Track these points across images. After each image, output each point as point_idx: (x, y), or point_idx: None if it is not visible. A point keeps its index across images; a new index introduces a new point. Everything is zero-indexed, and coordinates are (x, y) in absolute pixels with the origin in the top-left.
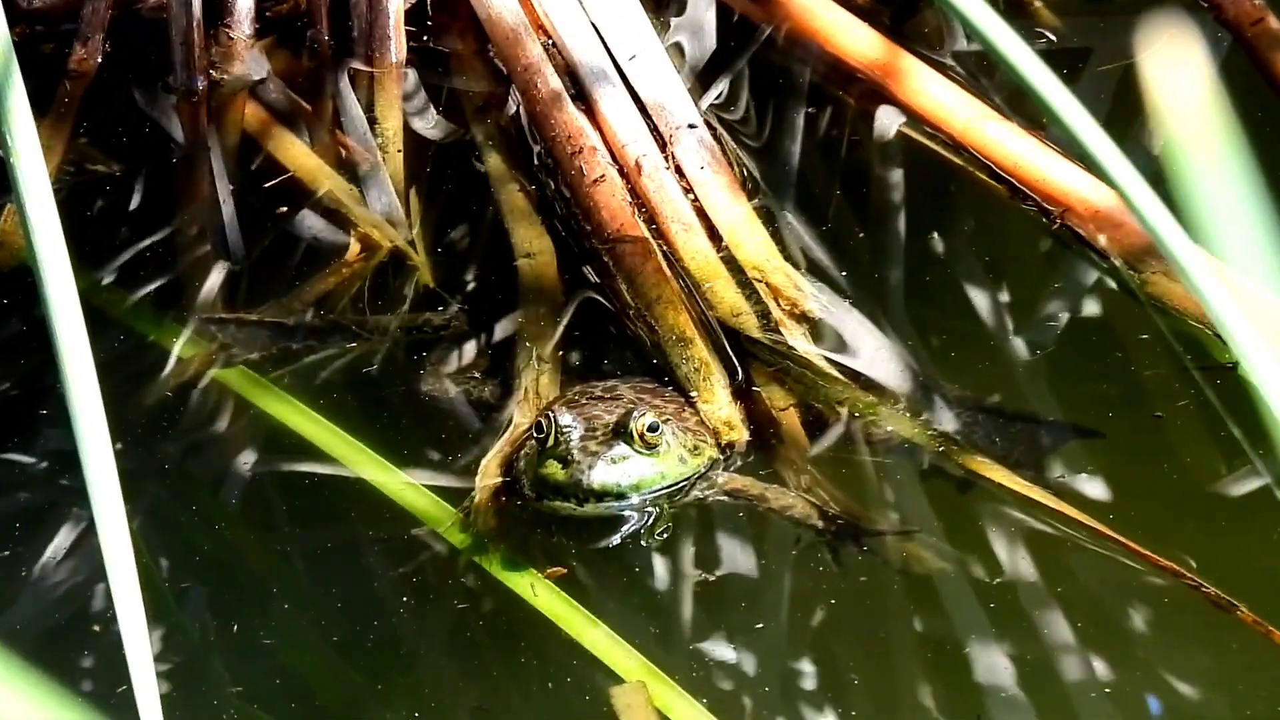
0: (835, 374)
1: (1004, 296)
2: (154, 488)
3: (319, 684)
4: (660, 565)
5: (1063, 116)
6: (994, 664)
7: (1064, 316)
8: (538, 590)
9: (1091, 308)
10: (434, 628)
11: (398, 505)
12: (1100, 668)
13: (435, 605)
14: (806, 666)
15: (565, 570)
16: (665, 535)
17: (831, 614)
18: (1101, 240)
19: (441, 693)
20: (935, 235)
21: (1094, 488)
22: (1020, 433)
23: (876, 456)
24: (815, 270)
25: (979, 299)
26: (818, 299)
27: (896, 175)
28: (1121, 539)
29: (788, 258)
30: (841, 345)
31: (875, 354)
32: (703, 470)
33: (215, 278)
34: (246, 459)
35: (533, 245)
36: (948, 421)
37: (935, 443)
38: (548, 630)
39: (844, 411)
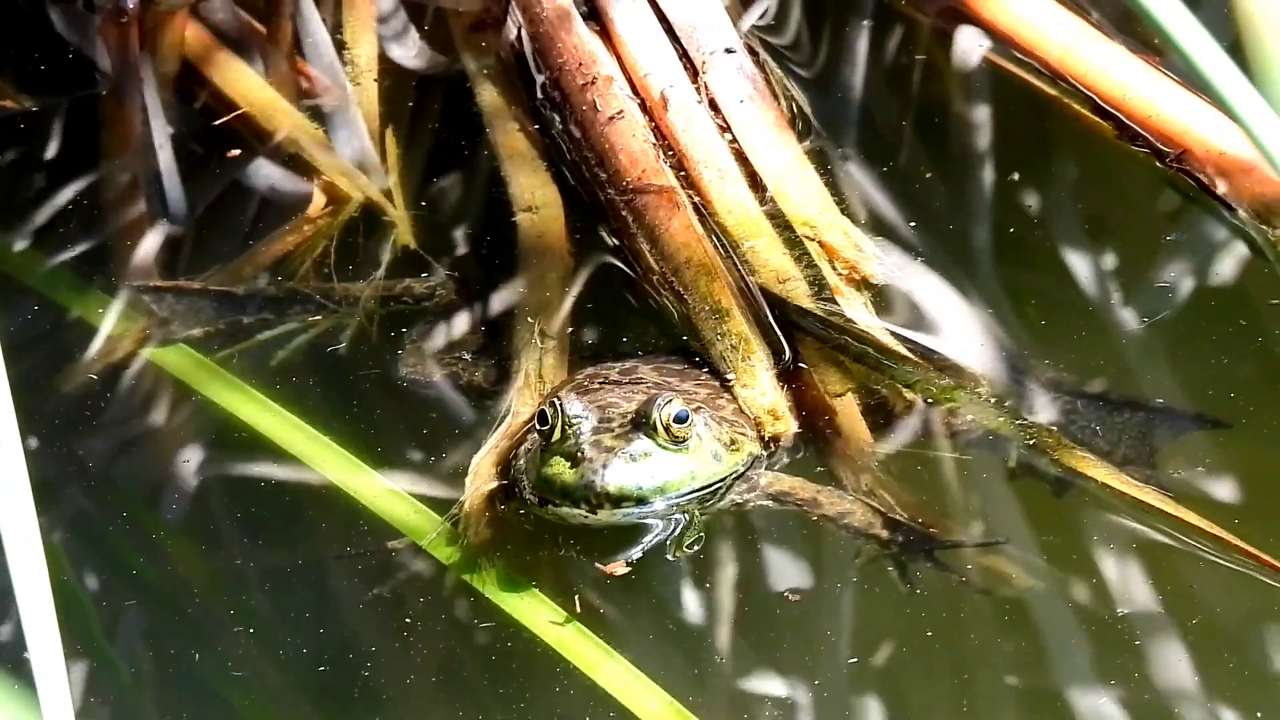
0: (903, 351)
1: (1109, 258)
2: (75, 493)
3: None
4: (690, 585)
5: (1180, 39)
6: (1099, 709)
7: (1182, 281)
8: (574, 600)
9: (1215, 270)
10: (417, 663)
11: (372, 514)
12: (1226, 712)
13: (418, 635)
14: (868, 709)
15: (628, 567)
16: (696, 548)
17: (899, 645)
18: (1225, 188)
19: None
20: (1027, 183)
21: (1220, 488)
22: (1129, 423)
23: (954, 452)
24: (879, 226)
25: (1079, 260)
26: (882, 261)
27: (980, 111)
28: (1253, 551)
29: (846, 211)
30: (911, 317)
31: (953, 327)
32: (741, 469)
33: (151, 238)
34: (188, 458)
35: (536, 197)
36: (1041, 409)
37: (1025, 435)
38: (554, 665)
39: (914, 397)
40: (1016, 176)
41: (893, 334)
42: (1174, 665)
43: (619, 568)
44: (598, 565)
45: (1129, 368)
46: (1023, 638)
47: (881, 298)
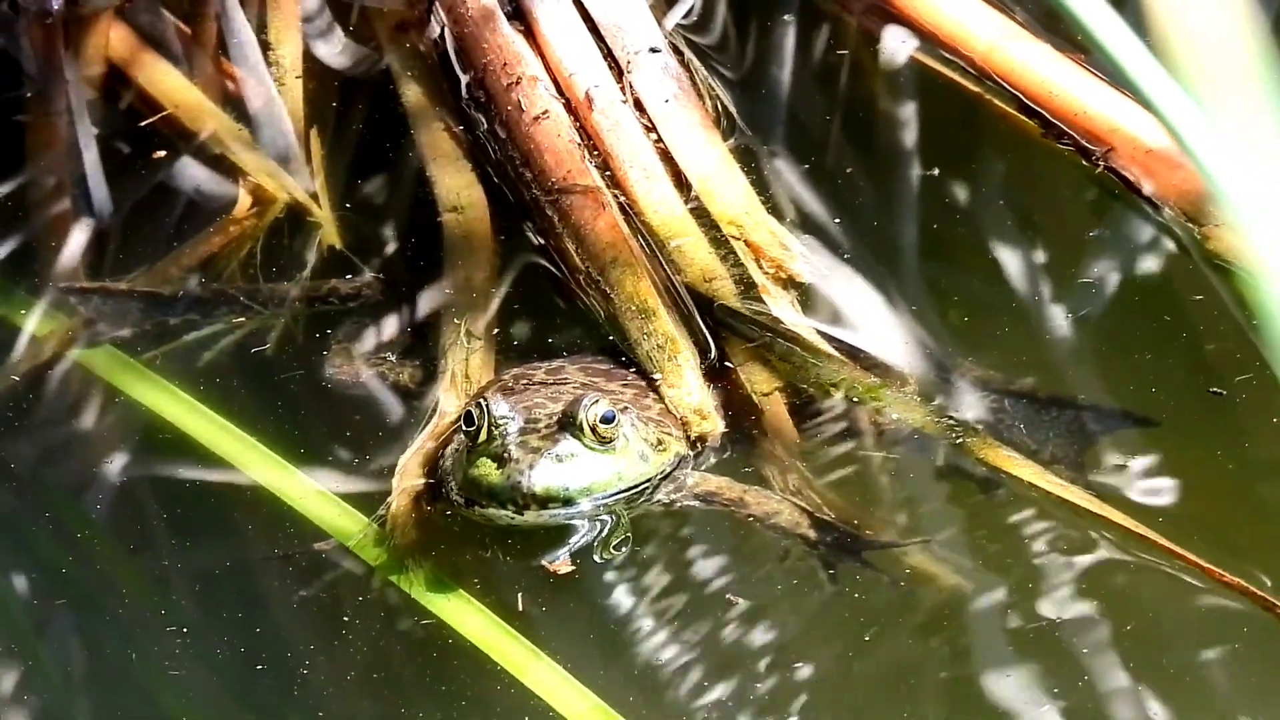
0: (829, 350)
1: (1035, 255)
2: (2, 495)
3: None
4: (617, 586)
5: (1103, 37)
6: (1026, 707)
7: (1108, 278)
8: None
9: (1140, 267)
10: (344, 664)
11: (298, 515)
12: (1157, 709)
13: (345, 637)
14: (795, 710)
15: (572, 567)
16: (623, 549)
17: (826, 645)
18: (1151, 186)
19: None
20: (954, 181)
21: (1146, 487)
22: (1056, 420)
23: (881, 451)
24: (806, 224)
25: (1005, 258)
26: (808, 260)
27: (907, 109)
28: (1179, 550)
29: (772, 210)
30: (837, 315)
31: (879, 325)
32: (668, 469)
33: (76, 238)
34: (115, 459)
35: (461, 197)
36: (968, 407)
37: (952, 433)
38: (482, 666)
39: (840, 396)
40: (936, 172)
41: (819, 332)
42: (1102, 662)
43: (563, 566)
44: (543, 564)
45: (1055, 365)
46: (949, 636)
47: (808, 296)
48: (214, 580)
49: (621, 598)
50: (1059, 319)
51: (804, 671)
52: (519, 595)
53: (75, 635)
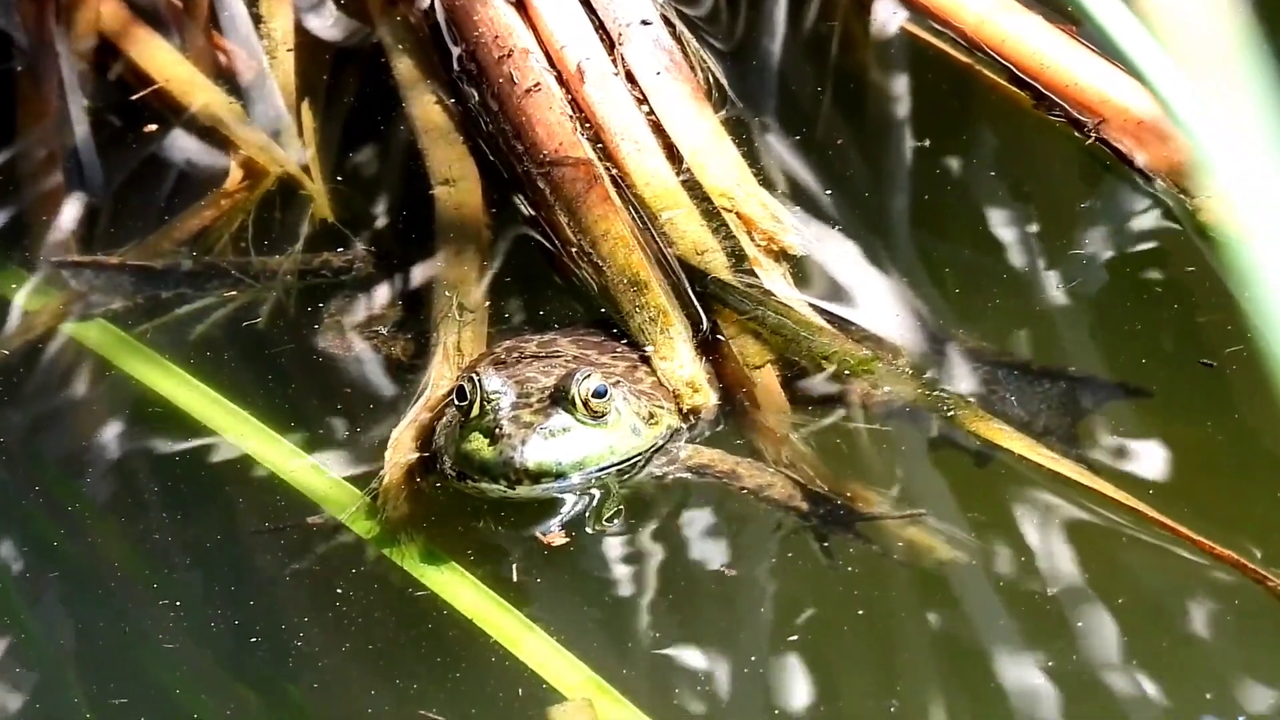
0: (821, 323)
1: (1027, 226)
2: None
3: (198, 704)
4: (609, 558)
5: (1092, 7)
6: (1020, 679)
7: (1100, 249)
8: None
9: (1132, 238)
10: (337, 637)
11: (290, 488)
12: (1148, 682)
13: (338, 610)
14: (788, 682)
15: (567, 540)
16: (615, 521)
17: (819, 617)
18: (1143, 157)
19: (344, 715)
20: (946, 152)
21: (1137, 459)
22: (1049, 392)
23: (874, 423)
24: (798, 196)
25: (998, 230)
26: (800, 231)
27: (898, 80)
28: (1170, 523)
29: (764, 182)
30: (830, 287)
31: (871, 297)
32: (660, 442)
33: (68, 212)
34: (106, 432)
35: (453, 170)
36: (960, 379)
37: (943, 406)
38: (474, 639)
39: (832, 369)
40: (928, 143)
41: (811, 305)
42: (1095, 633)
43: (557, 539)
44: (538, 535)
45: (1047, 336)
46: (943, 608)
47: (800, 269)
48: (206, 553)
49: (615, 570)
50: (1051, 290)
51: (797, 644)
52: (513, 567)
53: (66, 608)
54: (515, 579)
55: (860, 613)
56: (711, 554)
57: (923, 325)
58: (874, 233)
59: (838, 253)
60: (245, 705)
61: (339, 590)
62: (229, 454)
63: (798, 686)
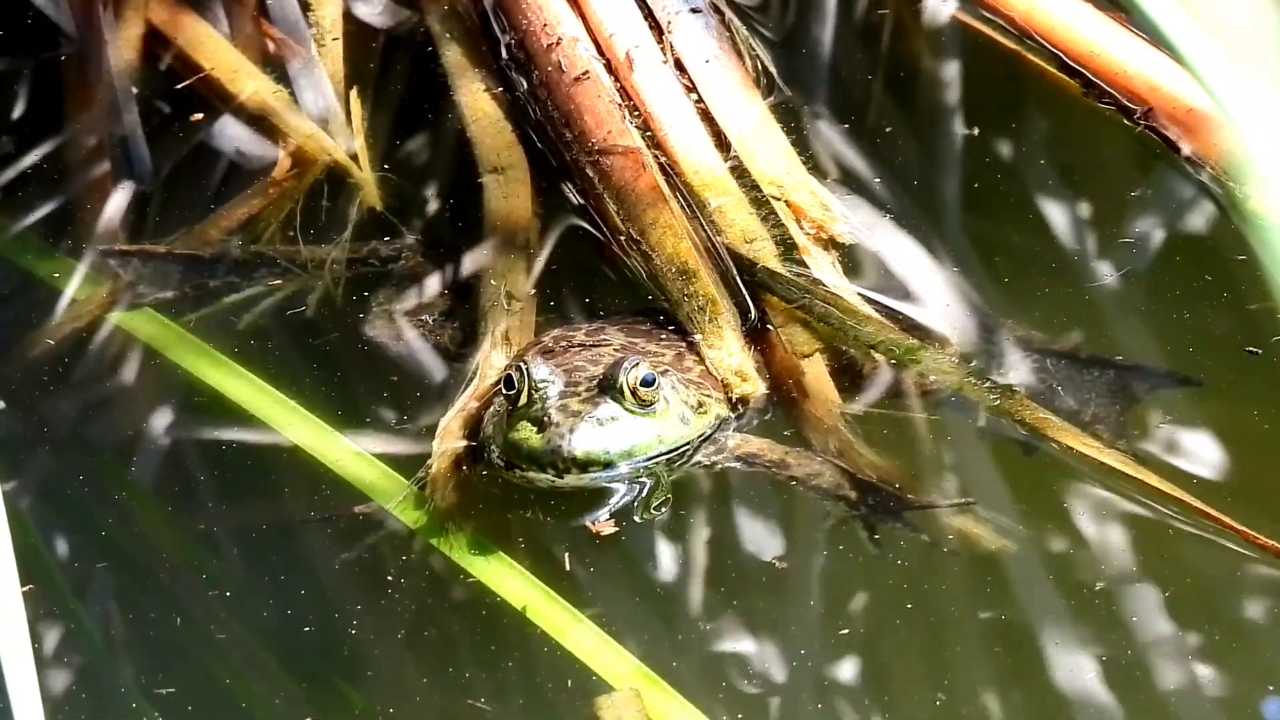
0: (869, 311)
1: (1076, 214)
2: (42, 457)
3: (247, 693)
4: (658, 547)
5: None
6: (1070, 669)
7: (1149, 237)
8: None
9: (1182, 226)
10: (384, 627)
11: (338, 477)
12: (1198, 674)
13: (385, 599)
14: (838, 671)
15: (616, 529)
16: (664, 510)
17: (869, 607)
18: (1190, 147)
19: (393, 705)
20: (997, 140)
21: (1183, 448)
22: (1098, 380)
23: (923, 413)
24: (848, 183)
25: (1048, 217)
26: (849, 220)
27: (950, 68)
28: (1215, 514)
29: (814, 169)
30: (879, 275)
31: (920, 285)
32: (709, 432)
33: (116, 201)
34: (155, 422)
35: (501, 158)
36: (1009, 368)
37: (990, 396)
38: (522, 629)
39: (880, 358)
40: (977, 131)
41: (859, 294)
42: (1147, 625)
43: (606, 528)
44: (587, 524)
45: (1096, 324)
46: (993, 598)
47: (849, 257)
48: (254, 542)
49: (663, 560)
50: (1100, 278)
51: (847, 636)
52: (566, 556)
53: (116, 598)
54: (567, 568)
55: (909, 603)
56: (760, 544)
57: (972, 313)
58: (923, 220)
59: (887, 241)
60: (295, 695)
61: (390, 579)
62: (277, 443)
63: (847, 678)
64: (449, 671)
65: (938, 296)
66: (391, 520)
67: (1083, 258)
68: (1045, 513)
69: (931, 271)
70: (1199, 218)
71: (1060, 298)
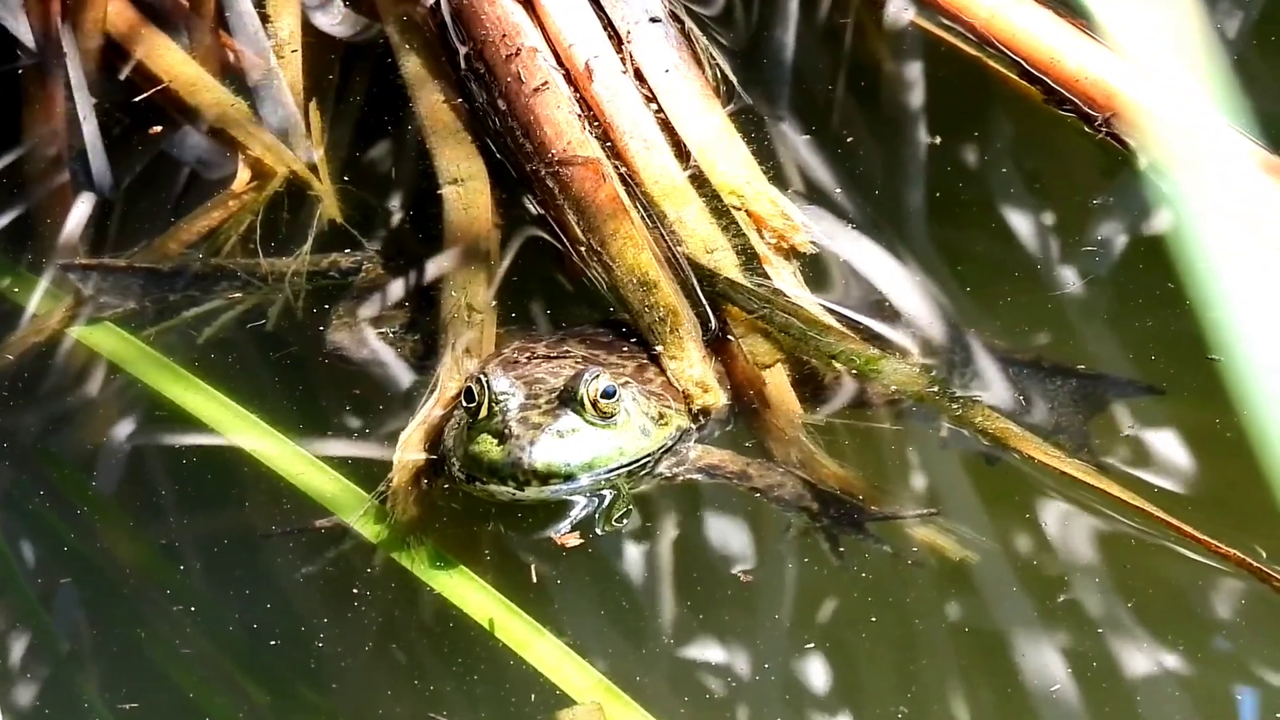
0: (830, 321)
1: (1040, 222)
2: (5, 471)
3: (211, 706)
4: (619, 560)
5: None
6: (1033, 679)
7: (1112, 245)
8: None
9: (1146, 233)
10: (345, 639)
11: (298, 490)
12: (1167, 680)
13: (346, 612)
14: (803, 684)
15: (581, 541)
16: (625, 522)
17: (834, 618)
18: (1147, 155)
19: (360, 717)
20: (959, 148)
21: (1146, 456)
22: (1061, 389)
23: (884, 423)
24: (810, 192)
25: (1010, 225)
26: (811, 229)
27: (911, 73)
28: (1177, 523)
29: (775, 178)
30: (841, 285)
31: (883, 295)
32: (670, 443)
33: (76, 214)
34: (115, 435)
35: (461, 169)
36: (971, 377)
37: (952, 405)
38: (483, 642)
39: (841, 368)
40: (939, 139)
41: (821, 304)
42: (1109, 636)
43: (572, 540)
44: (553, 537)
45: (1058, 332)
46: (955, 607)
47: (811, 266)
48: (216, 556)
49: (625, 573)
50: (1063, 286)
51: (811, 648)
52: (531, 569)
53: (79, 611)
54: (534, 580)
55: (870, 614)
56: (723, 556)
57: (935, 322)
58: (886, 229)
59: (849, 250)
60: (260, 707)
61: (354, 592)
62: (238, 456)
63: (812, 690)
64: (413, 684)
65: (900, 305)
66: (355, 533)
67: (1046, 265)
68: (1009, 523)
69: (894, 281)
70: (1161, 224)
71: (1024, 306)
